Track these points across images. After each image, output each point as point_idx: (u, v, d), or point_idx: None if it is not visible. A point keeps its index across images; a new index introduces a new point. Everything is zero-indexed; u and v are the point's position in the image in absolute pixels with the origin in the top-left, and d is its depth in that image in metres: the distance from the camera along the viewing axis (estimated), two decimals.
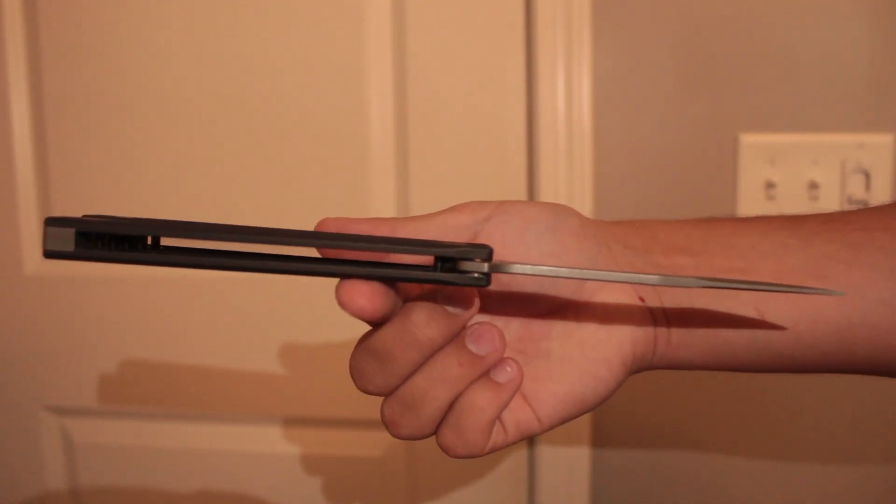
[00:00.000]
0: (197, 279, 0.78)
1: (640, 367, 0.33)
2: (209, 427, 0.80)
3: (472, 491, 0.76)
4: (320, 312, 0.75)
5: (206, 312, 0.78)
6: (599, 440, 0.73)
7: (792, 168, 0.67)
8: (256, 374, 0.78)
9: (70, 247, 0.27)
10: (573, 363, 0.31)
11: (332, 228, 0.30)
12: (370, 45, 0.72)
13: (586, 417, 0.72)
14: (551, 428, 0.32)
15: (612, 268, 0.32)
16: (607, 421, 0.72)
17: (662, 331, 0.32)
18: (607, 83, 0.69)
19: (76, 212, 0.79)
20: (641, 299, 0.32)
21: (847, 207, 0.66)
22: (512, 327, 0.33)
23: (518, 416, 0.32)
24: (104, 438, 0.83)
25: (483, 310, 0.32)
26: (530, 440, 0.73)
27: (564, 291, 0.32)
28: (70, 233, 0.27)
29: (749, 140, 0.67)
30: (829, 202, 0.67)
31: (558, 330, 0.32)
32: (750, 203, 0.68)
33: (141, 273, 0.79)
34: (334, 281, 0.28)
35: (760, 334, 0.31)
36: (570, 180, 0.69)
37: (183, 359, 0.79)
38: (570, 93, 0.68)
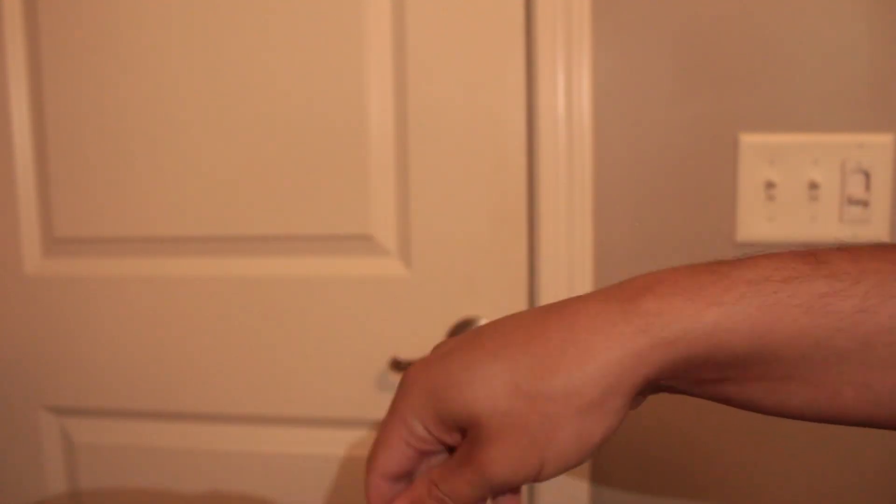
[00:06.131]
0: (196, 279, 0.78)
1: (652, 384, 0.30)
2: (209, 427, 0.80)
3: None
4: (320, 313, 0.75)
5: (206, 312, 0.78)
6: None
7: (792, 168, 0.67)
8: (256, 374, 0.78)
9: None
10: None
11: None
12: (370, 45, 0.72)
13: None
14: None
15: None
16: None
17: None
18: (607, 83, 0.69)
19: (75, 209, 0.79)
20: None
21: (847, 207, 0.66)
22: None
23: None
24: (104, 438, 0.83)
25: None
26: None
27: None
28: None
29: (749, 140, 0.67)
30: (829, 202, 0.67)
31: None
32: (750, 203, 0.68)
33: (141, 273, 0.79)
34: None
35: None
36: (570, 180, 0.69)
37: (183, 359, 0.79)
38: (570, 93, 0.68)
